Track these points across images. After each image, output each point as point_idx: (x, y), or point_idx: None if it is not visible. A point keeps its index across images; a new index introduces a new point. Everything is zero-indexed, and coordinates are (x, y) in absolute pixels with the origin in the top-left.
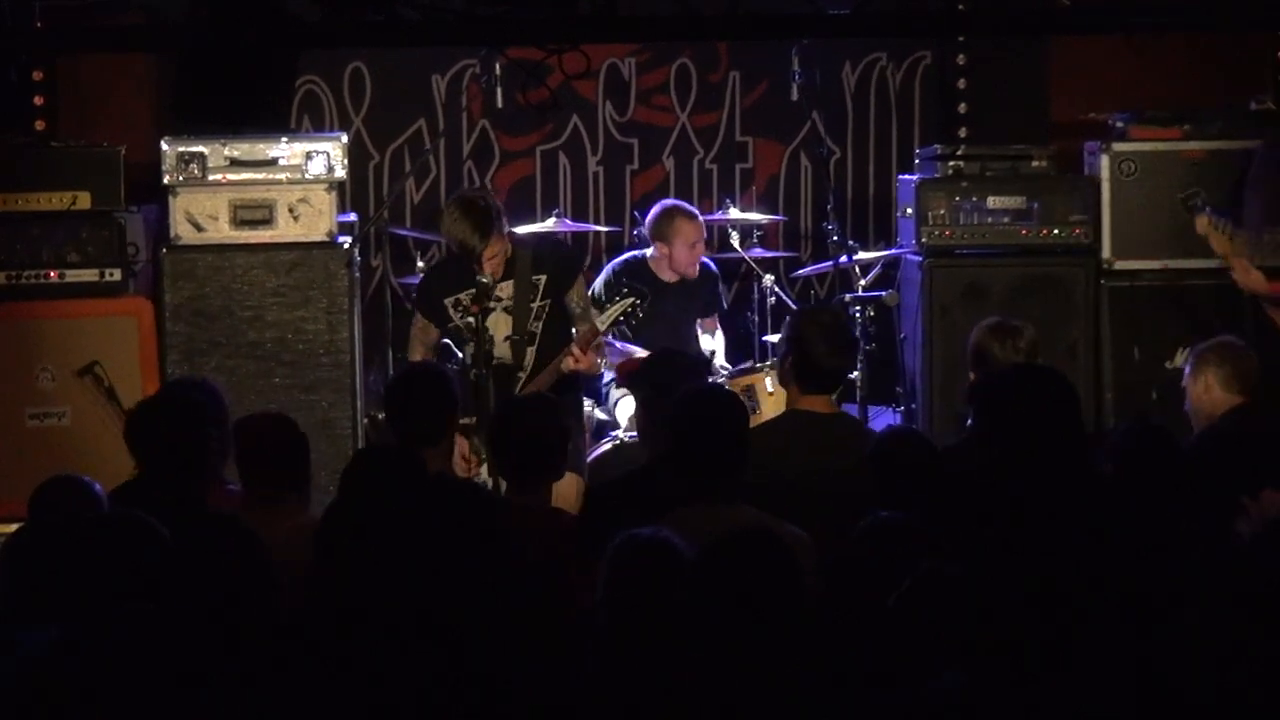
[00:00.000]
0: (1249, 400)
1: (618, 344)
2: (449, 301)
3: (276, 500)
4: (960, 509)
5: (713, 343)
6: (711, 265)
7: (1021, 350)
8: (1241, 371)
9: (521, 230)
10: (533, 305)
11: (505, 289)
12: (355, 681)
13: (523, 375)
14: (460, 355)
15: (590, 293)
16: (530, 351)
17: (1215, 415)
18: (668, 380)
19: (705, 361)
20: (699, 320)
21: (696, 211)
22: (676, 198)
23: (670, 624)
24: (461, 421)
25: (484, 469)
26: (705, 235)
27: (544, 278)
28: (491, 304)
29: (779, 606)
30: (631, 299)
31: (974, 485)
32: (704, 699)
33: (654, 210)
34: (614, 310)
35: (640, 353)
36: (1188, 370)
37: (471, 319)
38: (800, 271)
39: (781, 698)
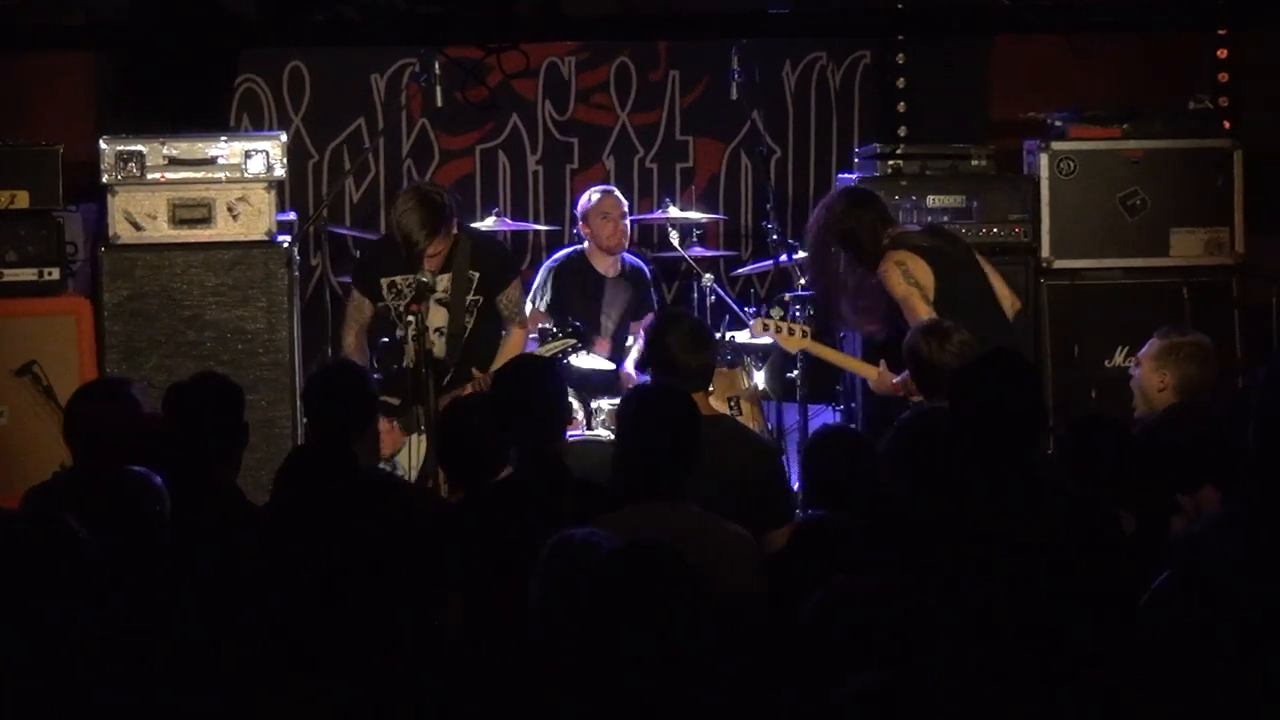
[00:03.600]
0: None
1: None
2: (385, 282)
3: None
4: (894, 508)
5: (631, 342)
6: (645, 267)
7: (951, 351)
8: (1203, 383)
9: None
10: (466, 299)
11: (442, 281)
12: (296, 679)
13: (452, 369)
14: (390, 337)
15: (530, 287)
16: (460, 345)
17: (1156, 408)
18: None
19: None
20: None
21: (613, 187)
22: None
23: (595, 626)
24: (385, 399)
25: (402, 455)
26: (625, 210)
27: (478, 275)
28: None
29: (673, 618)
30: (572, 340)
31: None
32: (633, 700)
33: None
34: (553, 346)
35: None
36: (1152, 351)
37: (412, 317)
38: (740, 270)
39: (705, 700)
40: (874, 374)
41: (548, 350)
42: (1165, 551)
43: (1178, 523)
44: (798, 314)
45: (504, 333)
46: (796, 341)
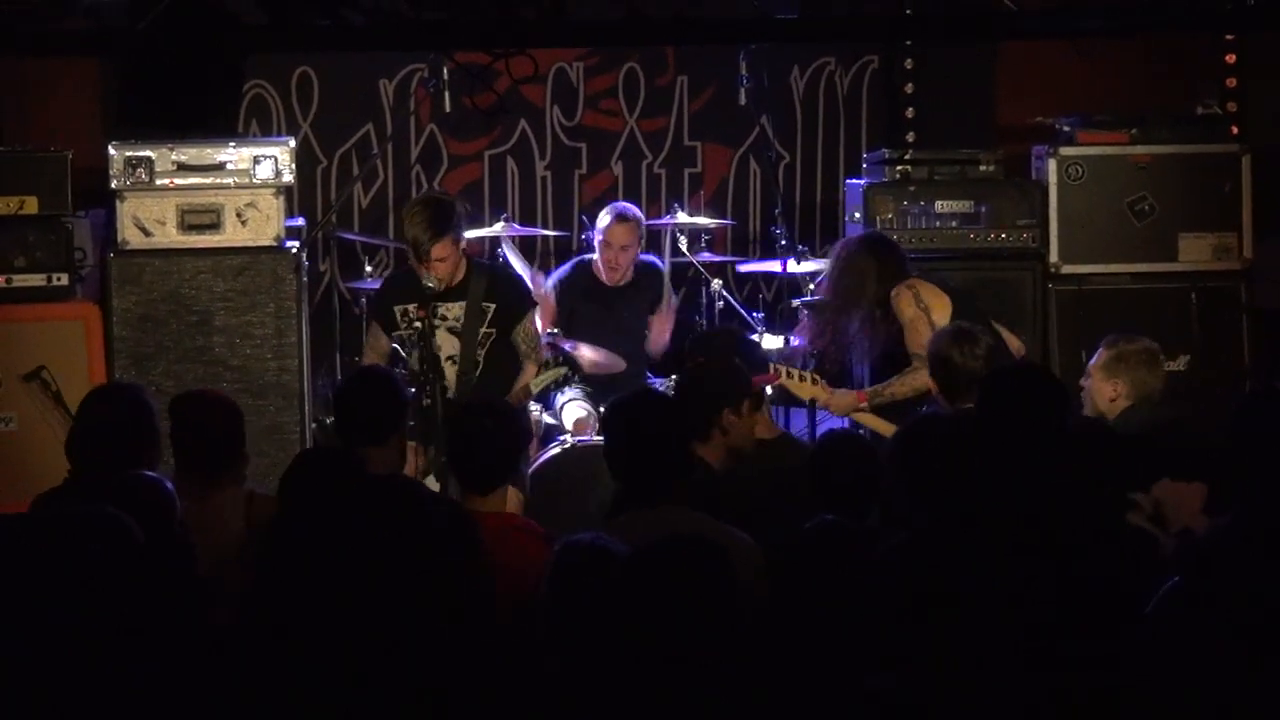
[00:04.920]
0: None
1: (566, 345)
2: (398, 310)
3: (214, 479)
4: (894, 511)
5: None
6: (657, 262)
7: (980, 357)
8: (1154, 386)
9: (470, 235)
10: (480, 331)
11: (454, 309)
12: (300, 687)
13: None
14: (407, 360)
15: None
16: (472, 380)
17: (1109, 415)
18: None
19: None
20: (649, 318)
21: (633, 214)
22: (627, 201)
23: (608, 628)
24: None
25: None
26: (638, 240)
27: (494, 306)
28: (436, 321)
29: (706, 611)
30: (563, 370)
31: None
32: (645, 701)
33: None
34: (546, 377)
35: (586, 351)
36: (1101, 361)
37: (419, 324)
38: (744, 266)
39: (720, 702)
40: (826, 396)
41: (541, 381)
42: (1172, 557)
43: (1134, 518)
44: (805, 316)
45: (522, 367)
46: (807, 389)
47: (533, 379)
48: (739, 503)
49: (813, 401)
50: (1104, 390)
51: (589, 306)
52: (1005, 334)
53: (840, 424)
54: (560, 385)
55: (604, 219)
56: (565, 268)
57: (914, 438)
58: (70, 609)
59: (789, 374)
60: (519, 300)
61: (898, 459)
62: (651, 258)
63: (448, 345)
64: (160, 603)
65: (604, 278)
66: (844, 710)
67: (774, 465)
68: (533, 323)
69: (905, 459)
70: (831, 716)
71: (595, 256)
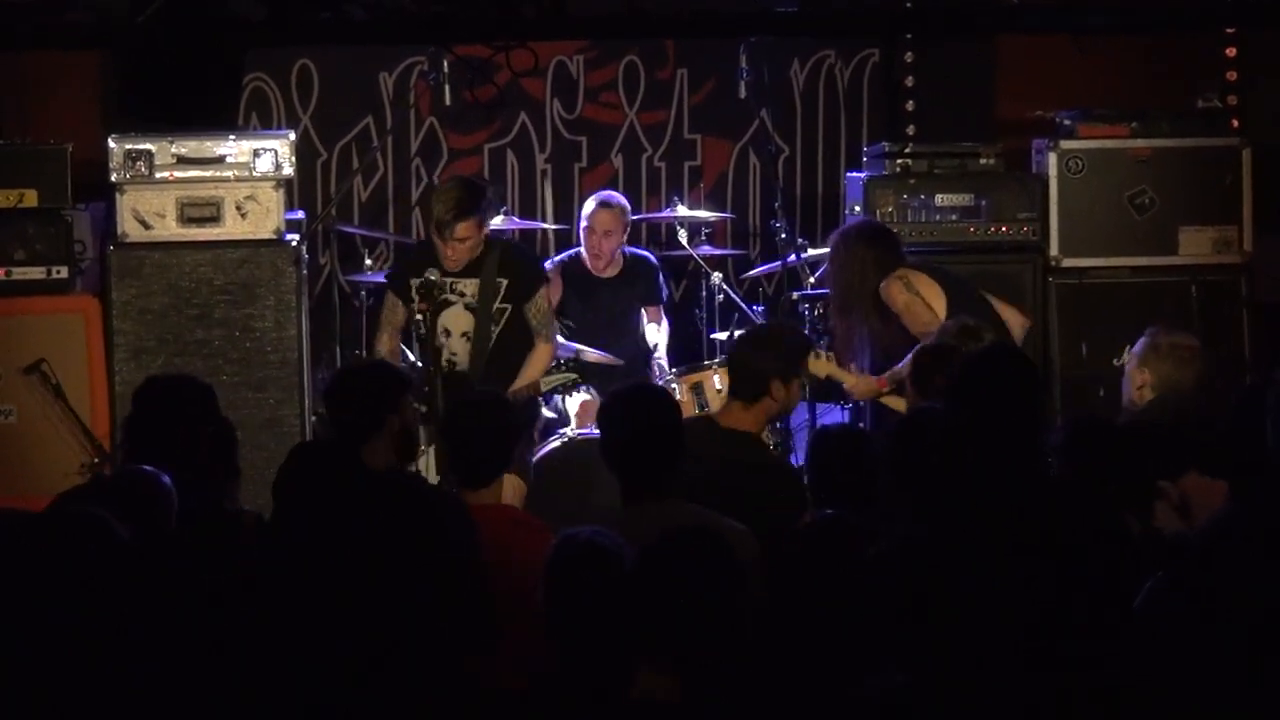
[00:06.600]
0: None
1: (562, 341)
2: (414, 282)
3: None
4: (887, 507)
5: (656, 335)
6: (650, 256)
7: None
8: (1182, 382)
9: None
10: (494, 307)
11: (470, 286)
12: (298, 682)
13: (474, 379)
14: (413, 357)
15: None
16: (486, 352)
17: (1139, 404)
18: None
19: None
20: (642, 309)
21: (617, 201)
22: (624, 194)
23: (608, 623)
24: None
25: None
26: (623, 227)
27: (506, 282)
28: (451, 296)
29: (717, 604)
30: (573, 376)
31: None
32: (648, 697)
33: None
34: (555, 380)
35: (587, 351)
36: (1138, 349)
37: (420, 316)
38: (751, 273)
39: (726, 696)
40: (852, 380)
41: (550, 382)
42: (1157, 548)
43: (1161, 510)
44: (806, 312)
45: (534, 344)
46: (823, 366)
47: (542, 378)
48: None
49: (828, 378)
50: (1135, 378)
51: (578, 297)
52: (1006, 309)
53: (838, 419)
54: (569, 389)
55: (589, 205)
56: (561, 256)
57: (901, 434)
58: (52, 609)
59: (816, 355)
60: (531, 275)
61: (890, 454)
62: (644, 251)
63: (463, 322)
64: (150, 601)
65: (591, 262)
66: (843, 708)
67: None
68: (545, 299)
69: (893, 455)
70: (830, 714)
71: (581, 250)
